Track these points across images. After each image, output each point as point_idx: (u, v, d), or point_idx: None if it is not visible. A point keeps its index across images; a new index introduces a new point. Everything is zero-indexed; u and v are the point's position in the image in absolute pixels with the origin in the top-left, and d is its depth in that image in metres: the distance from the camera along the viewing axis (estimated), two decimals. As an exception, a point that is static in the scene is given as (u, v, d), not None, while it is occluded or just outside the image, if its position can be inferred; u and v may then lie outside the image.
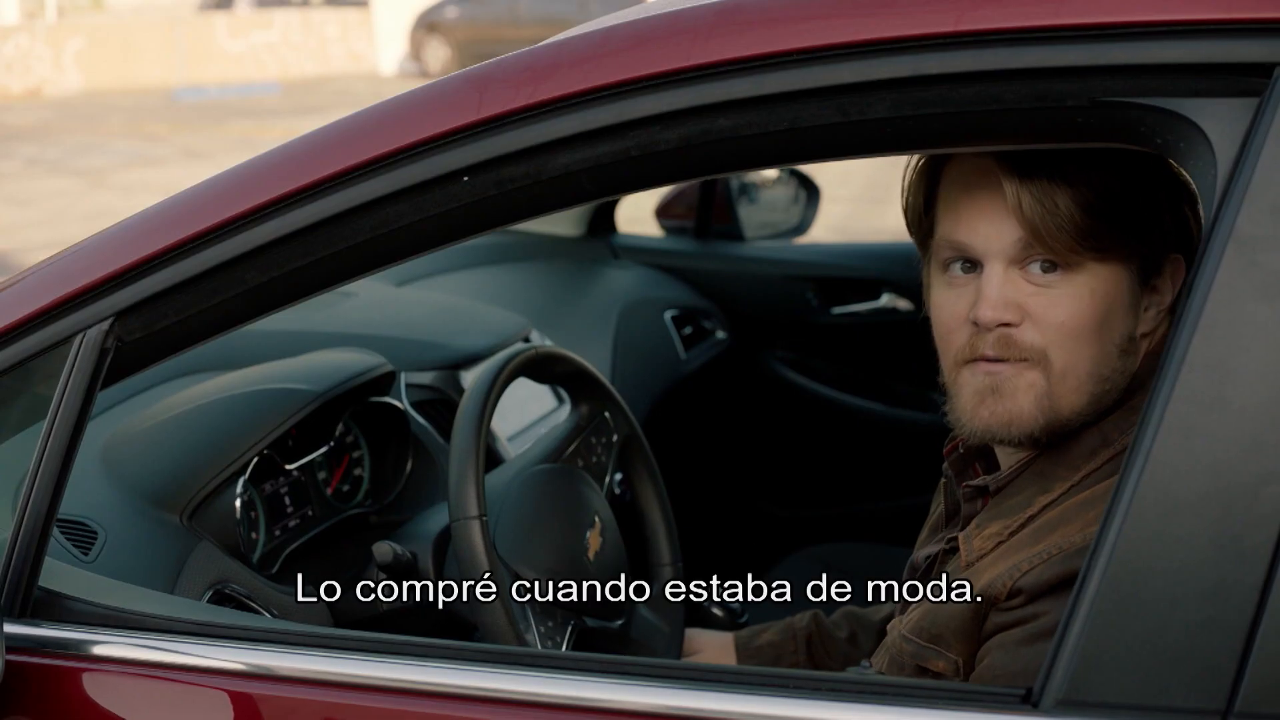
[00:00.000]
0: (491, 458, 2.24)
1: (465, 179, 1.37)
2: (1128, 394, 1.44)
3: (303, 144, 1.46)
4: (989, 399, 1.44)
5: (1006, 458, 1.53)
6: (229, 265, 1.44)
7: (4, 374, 1.53)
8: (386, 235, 1.41)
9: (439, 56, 21.80)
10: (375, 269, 1.47)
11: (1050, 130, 1.24)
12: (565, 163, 1.35)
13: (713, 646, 2.04)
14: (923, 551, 1.63)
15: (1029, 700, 1.15)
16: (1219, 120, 1.15)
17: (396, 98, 1.45)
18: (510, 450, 2.45)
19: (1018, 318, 1.42)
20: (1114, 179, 1.38)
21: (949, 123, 1.24)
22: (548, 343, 2.88)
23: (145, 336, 1.49)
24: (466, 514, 1.78)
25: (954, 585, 1.43)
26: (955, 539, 1.51)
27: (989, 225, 1.42)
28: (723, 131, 1.30)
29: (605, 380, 2.17)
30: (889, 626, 1.54)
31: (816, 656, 1.95)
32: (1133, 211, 1.39)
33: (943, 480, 1.66)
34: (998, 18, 1.20)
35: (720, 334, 3.58)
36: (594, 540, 1.99)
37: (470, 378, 1.90)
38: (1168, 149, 1.19)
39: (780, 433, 3.61)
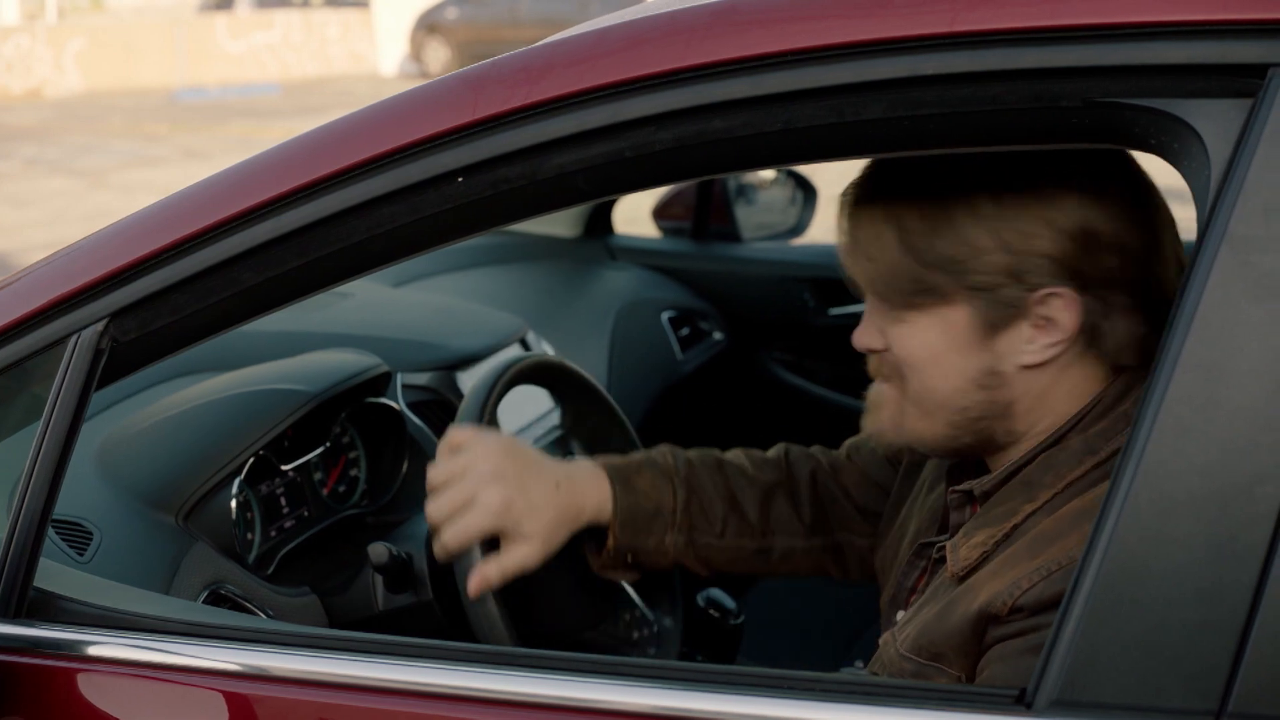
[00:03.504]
0: None
1: (460, 179, 1.37)
2: (1115, 402, 1.45)
3: (298, 144, 1.46)
4: (869, 412, 1.59)
5: (993, 463, 1.54)
6: (224, 266, 1.44)
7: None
8: (382, 236, 1.41)
9: (439, 57, 21.82)
10: (371, 269, 1.47)
11: (1045, 131, 1.24)
12: (560, 163, 1.35)
13: (562, 498, 1.74)
14: (907, 555, 1.63)
15: (1023, 701, 1.15)
16: (1213, 121, 1.15)
17: (392, 98, 1.45)
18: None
19: (881, 344, 1.52)
20: (926, 224, 1.43)
21: (945, 123, 1.24)
22: (544, 344, 2.88)
23: (140, 337, 1.48)
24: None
25: (950, 603, 1.44)
26: (944, 548, 1.51)
27: (848, 263, 1.52)
28: (718, 132, 1.29)
29: (604, 392, 2.18)
30: (881, 641, 1.53)
31: (694, 519, 1.82)
32: (952, 258, 1.43)
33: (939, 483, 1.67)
34: (993, 19, 1.20)
35: (717, 335, 3.58)
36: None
37: (462, 403, 1.89)
38: (1162, 149, 1.19)
39: (777, 434, 3.58)
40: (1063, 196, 1.40)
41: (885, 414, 1.55)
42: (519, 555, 1.69)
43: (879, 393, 1.56)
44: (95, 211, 11.03)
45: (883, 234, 1.46)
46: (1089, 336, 1.43)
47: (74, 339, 1.48)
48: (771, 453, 1.94)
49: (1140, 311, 1.43)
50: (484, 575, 1.68)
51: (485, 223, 1.42)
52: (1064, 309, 1.42)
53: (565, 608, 1.97)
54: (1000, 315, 1.43)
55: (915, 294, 1.46)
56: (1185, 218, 1.18)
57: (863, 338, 1.54)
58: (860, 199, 1.49)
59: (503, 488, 1.69)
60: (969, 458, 1.57)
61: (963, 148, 1.30)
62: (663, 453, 1.86)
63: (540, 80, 1.35)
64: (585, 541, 1.82)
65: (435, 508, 1.69)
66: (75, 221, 10.62)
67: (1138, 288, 1.42)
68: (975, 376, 1.47)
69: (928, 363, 1.48)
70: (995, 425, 1.49)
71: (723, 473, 1.87)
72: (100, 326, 1.48)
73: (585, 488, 1.77)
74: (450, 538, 1.68)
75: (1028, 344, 1.44)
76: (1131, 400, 1.44)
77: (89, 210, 11.26)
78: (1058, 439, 1.46)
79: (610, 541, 1.80)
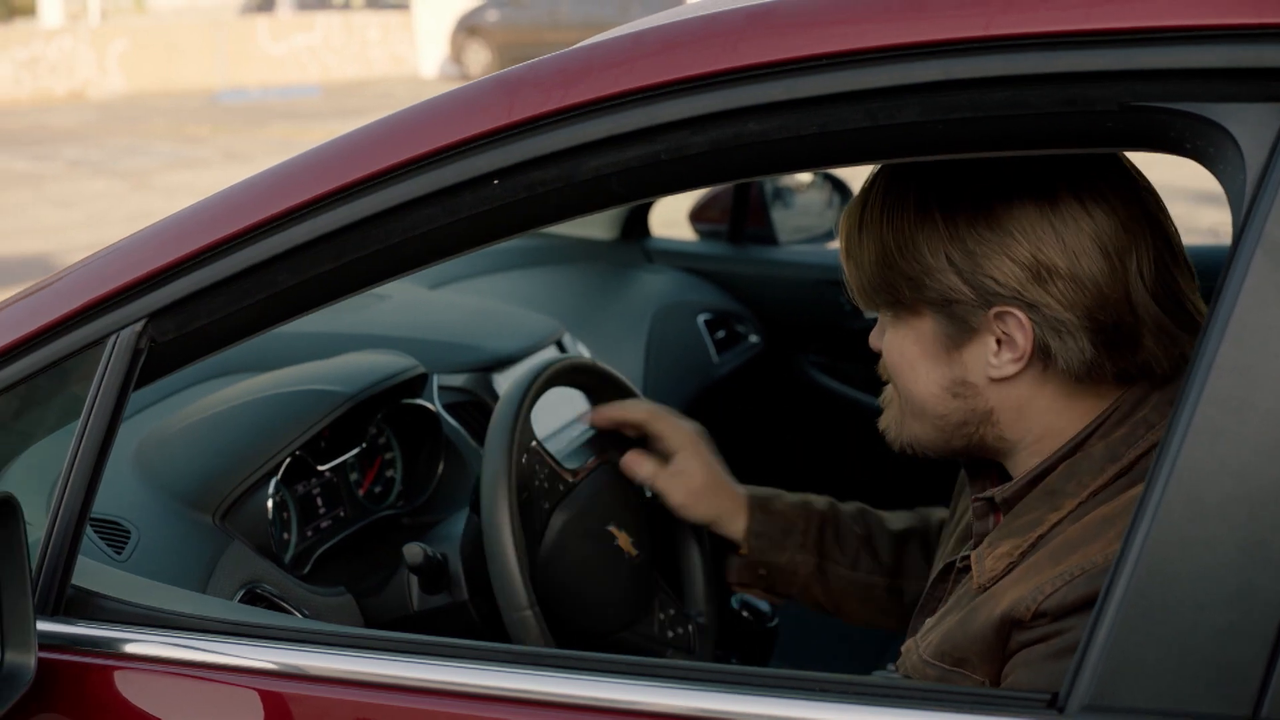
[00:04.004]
0: None
1: (496, 182, 1.37)
2: (1134, 408, 1.46)
3: (334, 147, 1.47)
4: (883, 411, 1.63)
5: (1012, 468, 1.55)
6: (261, 267, 1.45)
7: (39, 374, 1.54)
8: (418, 238, 1.42)
9: (480, 59, 21.88)
10: (407, 272, 1.48)
11: (1079, 135, 1.23)
12: (595, 166, 1.35)
13: (703, 470, 2.00)
14: (940, 564, 1.64)
15: (1055, 705, 1.15)
16: (1248, 125, 1.14)
17: (428, 101, 1.45)
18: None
19: (879, 347, 1.59)
20: (895, 240, 1.48)
21: (979, 127, 1.24)
22: (580, 346, 2.89)
23: (178, 338, 1.49)
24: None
25: (973, 610, 1.45)
26: (968, 558, 1.52)
27: (844, 264, 1.58)
28: (752, 135, 1.30)
29: (639, 394, 2.18)
30: (904, 648, 1.54)
31: (826, 545, 1.95)
32: (911, 274, 1.47)
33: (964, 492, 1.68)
34: (1027, 22, 1.20)
35: (753, 338, 3.58)
36: (627, 544, 2.00)
37: (498, 405, 1.91)
38: (1197, 154, 1.19)
39: (812, 436, 3.60)
40: (1019, 226, 1.42)
41: (890, 413, 1.60)
42: (666, 479, 1.98)
43: (888, 392, 1.62)
44: (138, 213, 11.10)
45: (867, 243, 1.51)
46: (1043, 356, 1.45)
47: (113, 339, 1.49)
48: (908, 511, 2.02)
49: (1091, 334, 1.43)
50: (637, 462, 1.98)
51: (521, 225, 1.43)
52: (1017, 328, 1.44)
53: (600, 609, 1.97)
54: (958, 330, 1.48)
55: (890, 304, 1.52)
56: (1221, 221, 1.18)
57: (872, 338, 1.61)
58: (857, 208, 1.54)
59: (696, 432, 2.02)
60: (975, 460, 1.59)
61: (996, 152, 1.30)
62: (807, 494, 2.00)
63: (576, 83, 1.35)
64: (727, 553, 1.99)
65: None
66: (118, 223, 10.70)
67: (1092, 313, 1.42)
68: (948, 385, 1.51)
69: (905, 368, 1.54)
70: (983, 431, 1.52)
71: (862, 514, 1.99)
72: (139, 327, 1.49)
73: (734, 498, 1.98)
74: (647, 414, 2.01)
75: (993, 357, 1.47)
76: (1150, 406, 1.45)
77: (131, 211, 11.33)
78: (1078, 445, 1.47)
79: (743, 549, 1.96)
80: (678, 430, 2.02)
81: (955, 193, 1.45)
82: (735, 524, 1.97)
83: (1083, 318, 1.42)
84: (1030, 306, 1.43)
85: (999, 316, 1.44)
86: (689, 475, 1.98)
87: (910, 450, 1.60)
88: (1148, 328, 1.43)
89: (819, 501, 1.99)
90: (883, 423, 1.62)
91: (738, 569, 1.98)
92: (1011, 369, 1.46)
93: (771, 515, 1.96)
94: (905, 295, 1.49)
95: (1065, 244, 1.41)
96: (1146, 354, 1.44)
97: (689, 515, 1.99)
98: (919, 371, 1.52)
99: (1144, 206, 1.45)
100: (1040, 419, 1.49)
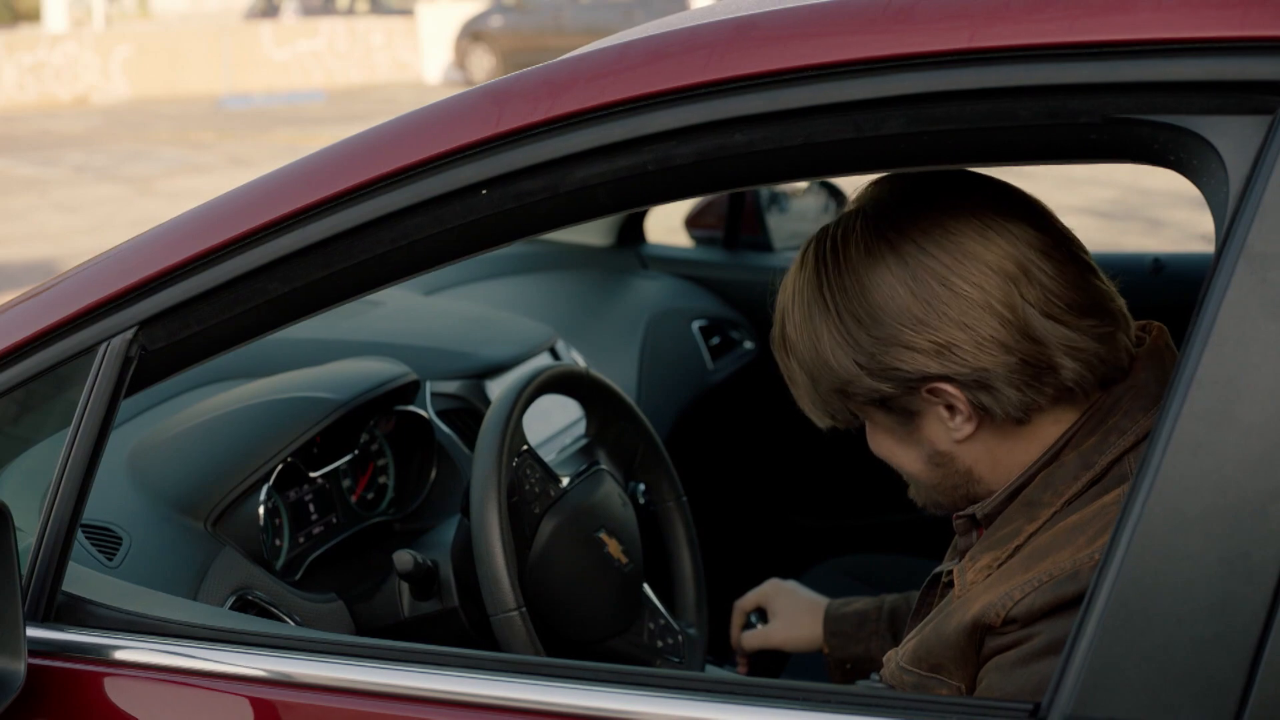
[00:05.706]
0: None
1: (483, 192, 1.38)
2: (1105, 416, 1.46)
3: (323, 156, 1.47)
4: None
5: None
6: (251, 276, 1.46)
7: (30, 381, 1.55)
8: (406, 247, 1.42)
9: (483, 65, 21.88)
10: (395, 280, 1.48)
11: (1063, 148, 1.24)
12: (582, 176, 1.35)
13: (797, 603, 2.10)
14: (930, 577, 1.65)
15: (1036, 716, 1.15)
16: (1232, 138, 1.15)
17: (416, 111, 1.46)
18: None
19: None
20: (811, 361, 1.52)
21: (962, 139, 1.24)
22: (574, 353, 2.89)
23: (168, 345, 1.50)
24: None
25: (946, 616, 1.47)
26: (952, 572, 1.53)
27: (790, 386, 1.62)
28: (738, 146, 1.30)
29: (630, 401, 2.18)
30: (885, 657, 1.55)
31: (898, 625, 1.98)
32: (834, 386, 1.51)
33: None
34: (1011, 35, 1.20)
35: (748, 344, 3.57)
36: (617, 552, 2.01)
37: (488, 411, 1.92)
38: (1180, 166, 1.19)
39: (807, 443, 3.59)
40: (902, 320, 1.43)
41: (911, 486, 1.63)
42: (779, 636, 2.09)
43: None
44: (142, 218, 11.11)
45: (795, 369, 1.55)
46: (981, 411, 1.47)
47: (103, 347, 1.50)
48: None
49: (1008, 379, 1.44)
50: (750, 640, 2.10)
51: (508, 235, 1.43)
52: (951, 396, 1.46)
53: (590, 617, 1.98)
54: (904, 417, 1.51)
55: (838, 415, 1.56)
56: (1206, 231, 1.19)
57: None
58: (778, 335, 1.58)
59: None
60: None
61: (979, 164, 1.30)
62: (885, 595, 2.08)
63: (563, 94, 1.36)
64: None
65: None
66: (122, 228, 10.70)
67: (1003, 361, 1.43)
68: (926, 459, 1.54)
69: (888, 456, 1.58)
70: (973, 486, 1.55)
71: None
72: (129, 334, 1.49)
73: (820, 611, 2.08)
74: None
75: (950, 424, 1.49)
76: (1121, 413, 1.45)
77: (136, 217, 11.34)
78: (1053, 457, 1.47)
79: (825, 649, 2.04)
80: (763, 592, 2.15)
81: (838, 296, 1.47)
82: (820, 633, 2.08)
83: (997, 368, 1.43)
84: (947, 378, 1.44)
85: (931, 392, 1.47)
86: (795, 622, 2.09)
87: (937, 512, 1.63)
88: (1056, 349, 1.43)
89: (884, 596, 2.05)
90: (910, 494, 1.64)
91: (829, 668, 2.06)
92: (969, 428, 1.49)
93: (846, 614, 2.04)
94: (842, 406, 1.53)
95: (951, 318, 1.42)
96: (1068, 372, 1.44)
97: (804, 648, 2.10)
98: (898, 456, 1.56)
99: (1011, 239, 1.44)
100: (1013, 458, 1.51)
